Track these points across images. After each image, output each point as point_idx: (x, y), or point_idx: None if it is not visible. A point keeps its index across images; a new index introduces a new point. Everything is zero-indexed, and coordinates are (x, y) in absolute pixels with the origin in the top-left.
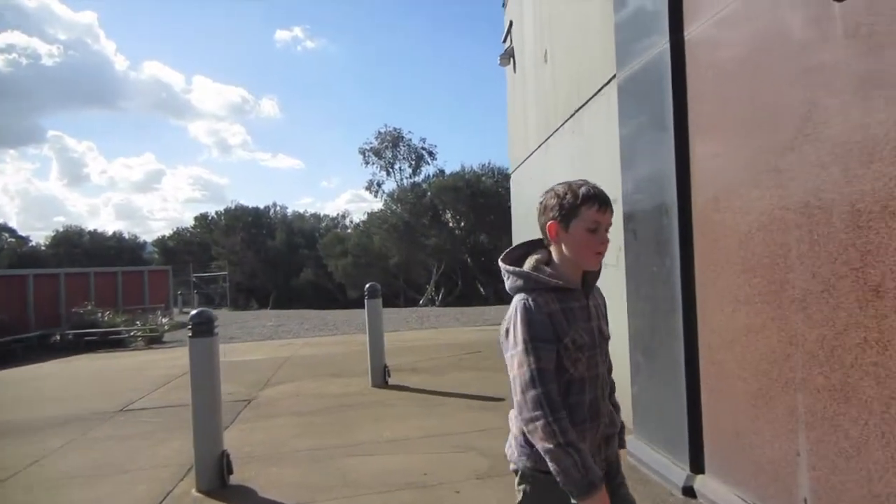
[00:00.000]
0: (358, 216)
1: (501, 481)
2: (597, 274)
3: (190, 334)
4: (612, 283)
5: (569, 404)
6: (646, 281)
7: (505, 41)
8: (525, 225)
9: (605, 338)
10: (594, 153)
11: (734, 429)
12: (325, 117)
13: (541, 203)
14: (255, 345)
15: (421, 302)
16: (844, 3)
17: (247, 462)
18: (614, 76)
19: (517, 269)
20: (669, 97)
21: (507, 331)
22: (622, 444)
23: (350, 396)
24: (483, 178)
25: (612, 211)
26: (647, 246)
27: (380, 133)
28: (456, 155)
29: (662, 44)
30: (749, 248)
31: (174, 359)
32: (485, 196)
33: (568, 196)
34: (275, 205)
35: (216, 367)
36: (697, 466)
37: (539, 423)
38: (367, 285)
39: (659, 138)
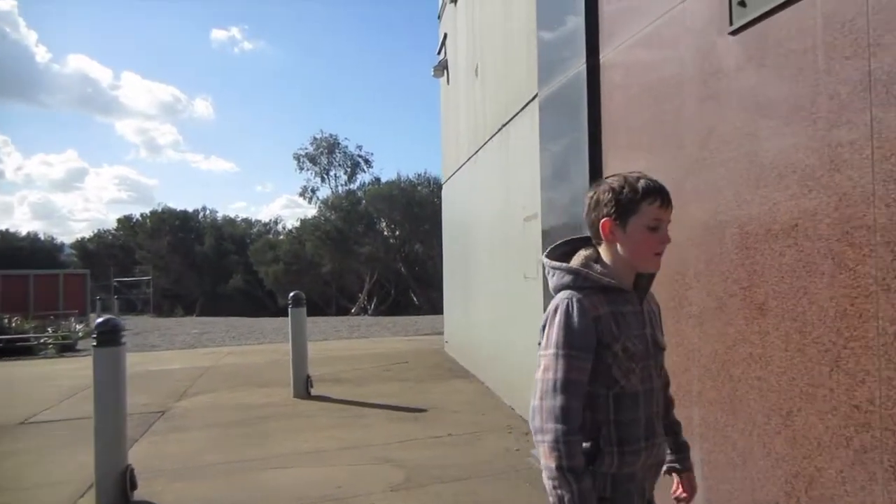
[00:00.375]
0: (292, 222)
1: (416, 493)
2: (651, 277)
3: (94, 343)
4: (533, 294)
5: (620, 422)
6: None
7: (439, 53)
8: (456, 236)
9: (661, 348)
10: (519, 168)
11: None
12: (262, 120)
13: (591, 197)
14: (177, 353)
15: (353, 311)
16: (738, 37)
17: (154, 477)
18: (537, 94)
19: (565, 264)
20: (585, 117)
21: (544, 328)
22: (688, 466)
23: (270, 407)
24: (419, 188)
25: (672, 206)
26: None
27: (315, 139)
28: (392, 163)
29: (579, 65)
30: None
31: (86, 368)
32: (420, 205)
33: (626, 190)
34: (204, 208)
35: (122, 378)
36: None
37: (548, 438)
38: (291, 294)
39: (575, 156)
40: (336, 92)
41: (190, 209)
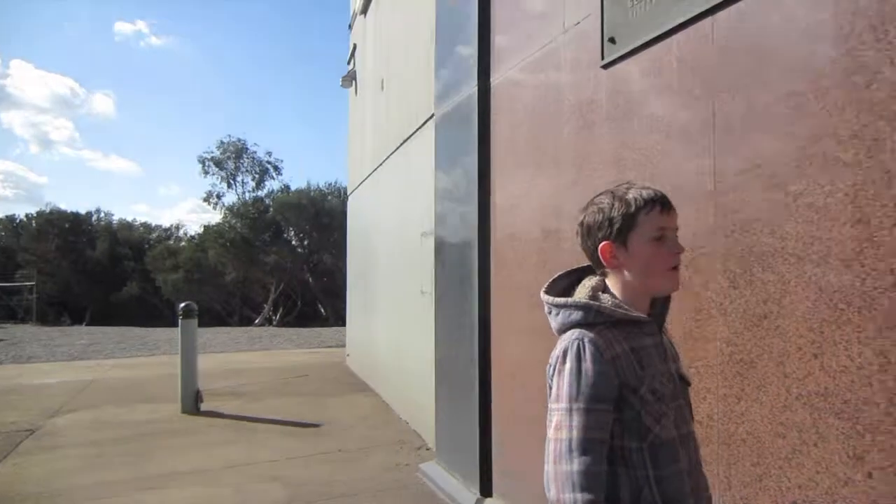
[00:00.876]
0: (196, 228)
1: None
2: (667, 301)
3: None
4: (428, 310)
5: (662, 478)
6: (451, 310)
7: (349, 63)
8: (359, 248)
9: (688, 383)
10: (418, 184)
11: (518, 453)
12: (168, 119)
13: (581, 224)
14: (58, 365)
15: (257, 321)
16: (608, 71)
17: (14, 502)
18: (434, 113)
19: (571, 299)
20: (475, 137)
21: (552, 378)
22: None
23: (155, 424)
24: (329, 197)
25: (675, 211)
26: (453, 277)
27: (222, 143)
28: (303, 171)
29: (472, 87)
30: (536, 285)
31: None
32: (330, 215)
33: (616, 205)
34: (98, 210)
35: None
36: (487, 490)
37: None
38: (182, 304)
39: (465, 175)
40: (248, 95)
41: (83, 211)
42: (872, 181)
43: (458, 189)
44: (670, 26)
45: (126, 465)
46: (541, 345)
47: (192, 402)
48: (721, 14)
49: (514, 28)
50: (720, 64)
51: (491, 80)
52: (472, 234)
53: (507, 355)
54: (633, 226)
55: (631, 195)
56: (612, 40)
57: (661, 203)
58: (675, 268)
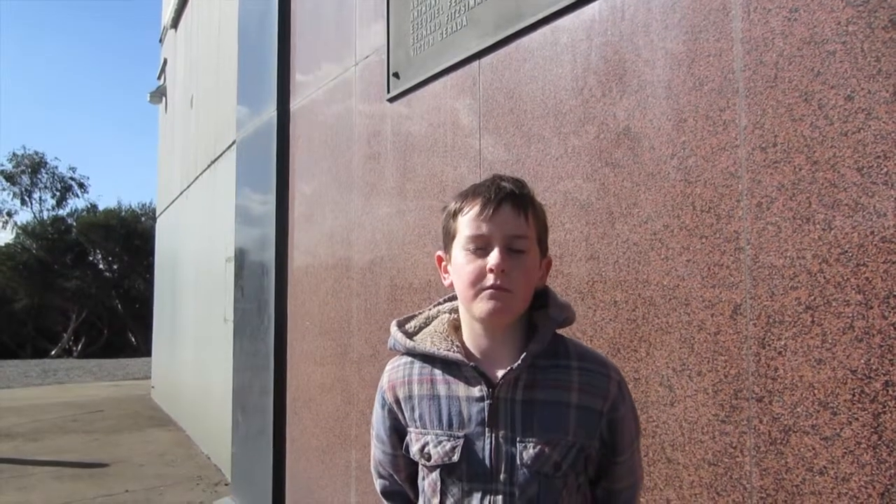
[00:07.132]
0: None
1: None
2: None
3: None
4: (228, 339)
5: None
6: (248, 337)
7: (160, 79)
8: (166, 274)
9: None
10: (223, 207)
11: (307, 483)
12: None
13: None
14: None
15: (53, 353)
16: (393, 105)
17: None
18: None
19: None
20: (274, 161)
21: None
22: None
23: None
24: (143, 219)
25: (513, 217)
26: (251, 303)
27: (15, 155)
28: (114, 190)
29: (272, 111)
30: (325, 312)
31: None
32: (142, 237)
33: (448, 206)
34: None
35: None
36: None
37: None
38: None
39: (264, 199)
40: (53, 106)
41: None
42: (600, 221)
43: (257, 214)
44: (445, 66)
45: None
46: (327, 376)
47: None
48: (485, 59)
49: (312, 55)
50: (486, 106)
51: (291, 105)
52: (271, 261)
53: (300, 385)
54: (455, 231)
55: (463, 191)
56: (396, 75)
57: (482, 201)
58: (491, 287)
